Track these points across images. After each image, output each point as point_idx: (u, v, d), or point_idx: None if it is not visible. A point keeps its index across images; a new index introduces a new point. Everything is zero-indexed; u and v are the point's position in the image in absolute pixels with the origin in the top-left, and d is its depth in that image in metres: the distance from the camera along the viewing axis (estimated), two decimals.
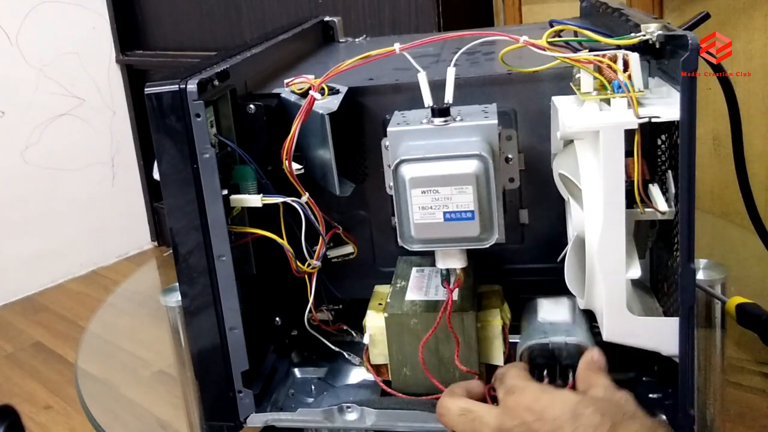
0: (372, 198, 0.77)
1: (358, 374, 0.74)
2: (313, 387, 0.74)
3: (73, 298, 2.37)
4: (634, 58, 0.58)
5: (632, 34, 0.61)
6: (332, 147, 0.66)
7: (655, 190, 0.61)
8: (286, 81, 0.69)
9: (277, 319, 0.74)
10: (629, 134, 0.56)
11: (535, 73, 0.67)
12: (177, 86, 0.61)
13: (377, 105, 0.73)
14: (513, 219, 0.75)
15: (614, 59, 0.58)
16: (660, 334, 0.59)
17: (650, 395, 0.67)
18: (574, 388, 0.59)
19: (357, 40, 1.04)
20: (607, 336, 0.60)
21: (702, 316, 0.71)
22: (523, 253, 0.77)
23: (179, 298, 0.67)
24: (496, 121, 0.61)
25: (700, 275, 0.68)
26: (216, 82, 0.64)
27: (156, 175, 0.63)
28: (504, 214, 0.62)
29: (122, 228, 2.60)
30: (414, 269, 0.74)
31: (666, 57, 0.60)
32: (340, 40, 1.05)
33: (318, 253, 0.68)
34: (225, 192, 0.63)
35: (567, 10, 1.48)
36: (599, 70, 0.58)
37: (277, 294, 0.73)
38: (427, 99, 0.62)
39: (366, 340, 0.70)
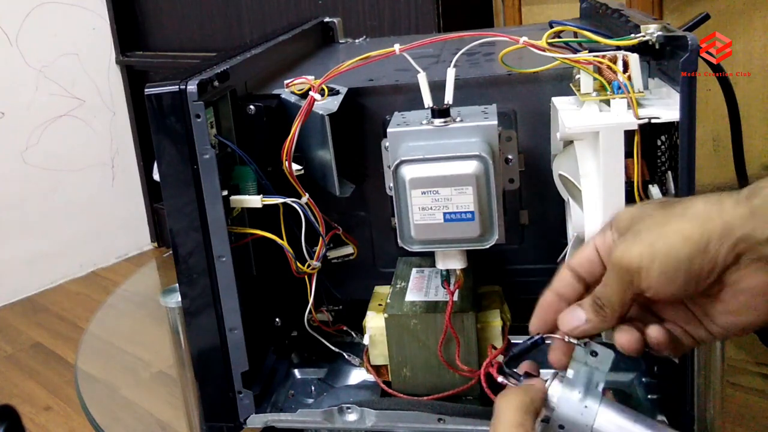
0: (372, 199, 0.77)
1: (358, 375, 0.74)
2: (313, 388, 0.74)
3: (72, 299, 2.36)
4: (633, 58, 0.58)
5: (632, 35, 0.61)
6: (332, 148, 0.66)
7: (654, 190, 0.60)
8: (286, 82, 0.69)
9: (277, 319, 0.74)
10: (629, 135, 0.56)
11: (535, 74, 0.67)
12: (177, 87, 0.61)
13: (377, 106, 0.73)
14: (513, 219, 0.75)
15: (614, 60, 0.58)
16: None
17: (650, 396, 0.67)
18: None
19: (357, 41, 1.04)
20: (607, 337, 0.60)
21: None
22: (523, 253, 0.77)
23: (179, 298, 0.67)
24: (495, 122, 0.61)
25: None
26: (216, 83, 0.64)
27: (156, 176, 0.63)
28: (504, 214, 0.62)
29: (122, 229, 2.60)
30: (414, 270, 0.74)
31: (666, 58, 0.60)
32: (340, 41, 1.05)
33: (318, 253, 0.68)
34: (225, 193, 0.63)
35: (567, 11, 1.48)
36: (599, 71, 0.58)
37: (277, 295, 0.73)
38: (427, 100, 0.62)
39: (366, 340, 0.70)
